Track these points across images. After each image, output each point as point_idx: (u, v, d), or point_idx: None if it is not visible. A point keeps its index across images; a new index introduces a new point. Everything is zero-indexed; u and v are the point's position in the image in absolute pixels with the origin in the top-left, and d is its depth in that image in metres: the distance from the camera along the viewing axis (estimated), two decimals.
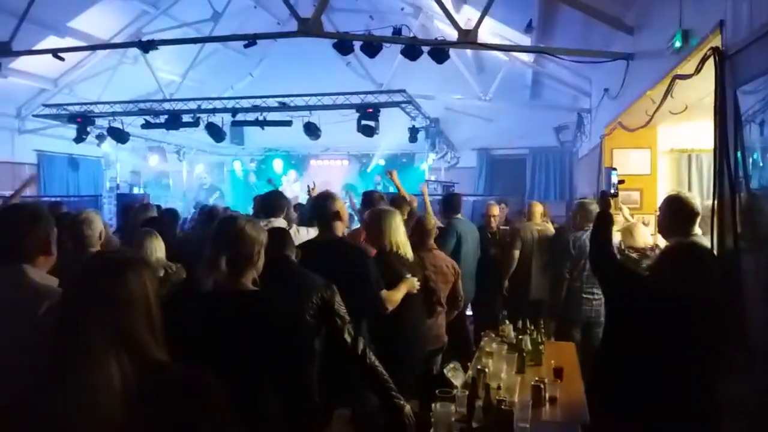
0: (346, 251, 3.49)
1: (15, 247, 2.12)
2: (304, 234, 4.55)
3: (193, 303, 2.18)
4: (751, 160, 2.75)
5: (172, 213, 5.97)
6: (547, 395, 3.16)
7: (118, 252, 1.52)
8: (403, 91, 9.04)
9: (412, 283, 3.66)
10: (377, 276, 3.44)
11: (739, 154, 2.87)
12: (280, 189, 9.51)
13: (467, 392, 2.88)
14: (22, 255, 2.11)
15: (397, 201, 5.34)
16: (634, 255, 4.71)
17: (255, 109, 9.92)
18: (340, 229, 3.57)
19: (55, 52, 7.78)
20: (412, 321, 3.76)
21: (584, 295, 5.03)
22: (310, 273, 2.88)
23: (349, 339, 2.76)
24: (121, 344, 1.35)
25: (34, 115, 10.66)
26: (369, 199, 5.30)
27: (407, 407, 2.72)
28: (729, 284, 2.81)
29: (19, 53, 8.12)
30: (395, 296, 3.50)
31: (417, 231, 4.40)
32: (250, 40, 6.95)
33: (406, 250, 3.84)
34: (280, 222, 4.56)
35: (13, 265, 2.08)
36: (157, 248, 3.83)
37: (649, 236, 4.89)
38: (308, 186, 6.54)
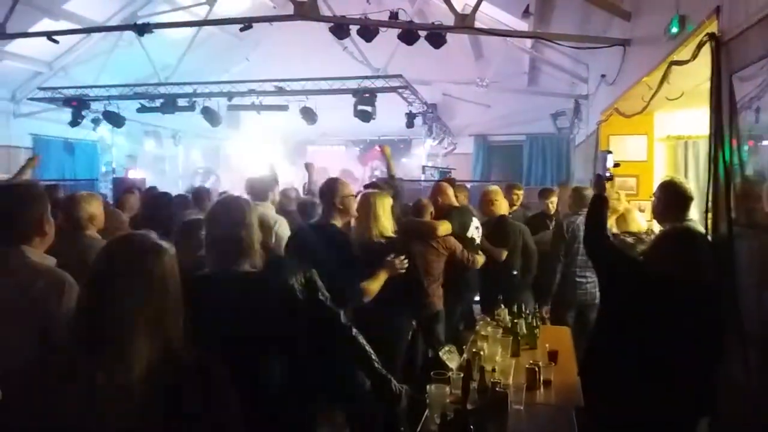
0: (335, 237, 3.52)
1: (10, 228, 2.13)
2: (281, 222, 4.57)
3: (195, 285, 2.19)
4: (746, 146, 2.77)
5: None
6: (541, 378, 3.20)
7: (147, 235, 1.51)
8: (400, 76, 9.01)
9: (392, 266, 3.63)
10: (361, 265, 3.48)
11: (734, 140, 2.88)
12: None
13: (462, 375, 2.91)
14: (17, 236, 2.12)
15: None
16: (630, 239, 4.73)
17: (251, 93, 9.89)
18: (339, 217, 3.59)
19: (50, 35, 7.73)
20: None
21: (578, 279, 5.05)
22: (286, 258, 2.92)
23: (335, 312, 2.80)
24: (155, 326, 1.38)
25: (29, 99, 10.59)
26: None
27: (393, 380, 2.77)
28: (723, 269, 2.84)
29: (13, 36, 8.06)
30: (373, 286, 3.49)
31: (414, 209, 4.82)
32: (246, 23, 6.92)
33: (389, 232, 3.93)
34: (267, 206, 4.55)
35: (11, 247, 2.10)
36: None
37: (643, 221, 4.90)
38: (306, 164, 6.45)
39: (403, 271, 3.67)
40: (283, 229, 4.49)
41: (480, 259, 4.85)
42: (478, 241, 5.01)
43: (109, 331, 1.34)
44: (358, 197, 4.06)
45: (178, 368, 1.41)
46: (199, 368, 1.45)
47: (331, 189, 3.58)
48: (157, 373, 1.35)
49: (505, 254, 5.08)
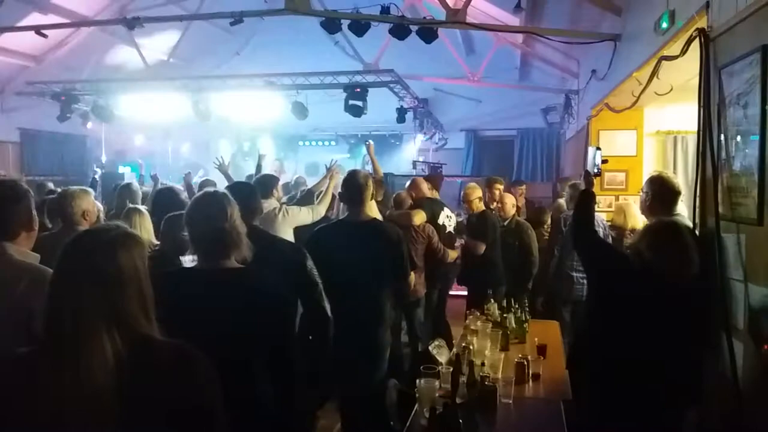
0: (382, 232, 3.58)
1: None
2: (297, 212, 4.58)
3: (180, 280, 2.18)
4: (734, 141, 2.78)
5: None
6: (530, 372, 3.22)
7: (107, 228, 1.50)
8: (391, 71, 8.99)
9: None
10: (409, 259, 3.67)
11: (722, 135, 2.90)
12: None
13: (451, 369, 2.92)
14: (4, 232, 2.11)
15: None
16: (613, 234, 4.76)
17: (241, 88, 9.83)
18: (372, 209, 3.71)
19: (38, 29, 7.66)
20: None
21: (575, 274, 5.06)
22: (280, 239, 2.92)
23: (320, 302, 2.82)
24: (113, 321, 1.36)
25: (17, 93, 10.49)
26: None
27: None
28: (709, 262, 2.86)
29: (1, 30, 7.98)
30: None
31: (395, 202, 5.34)
32: (237, 17, 6.87)
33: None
34: (271, 203, 4.61)
35: None
36: (144, 226, 3.83)
37: (640, 219, 4.86)
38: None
39: None
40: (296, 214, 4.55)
41: (453, 253, 5.17)
42: (449, 228, 5.35)
43: (67, 331, 1.33)
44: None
45: (154, 359, 1.40)
46: (178, 357, 1.45)
47: (367, 183, 3.59)
48: (132, 366, 1.34)
49: (483, 247, 5.18)
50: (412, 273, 3.78)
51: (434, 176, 7.19)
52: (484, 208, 5.50)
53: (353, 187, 3.58)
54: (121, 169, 12.22)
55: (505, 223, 5.61)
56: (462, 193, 5.71)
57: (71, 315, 1.34)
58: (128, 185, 5.72)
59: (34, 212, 2.24)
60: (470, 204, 5.48)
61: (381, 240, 3.50)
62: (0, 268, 2.06)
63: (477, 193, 5.52)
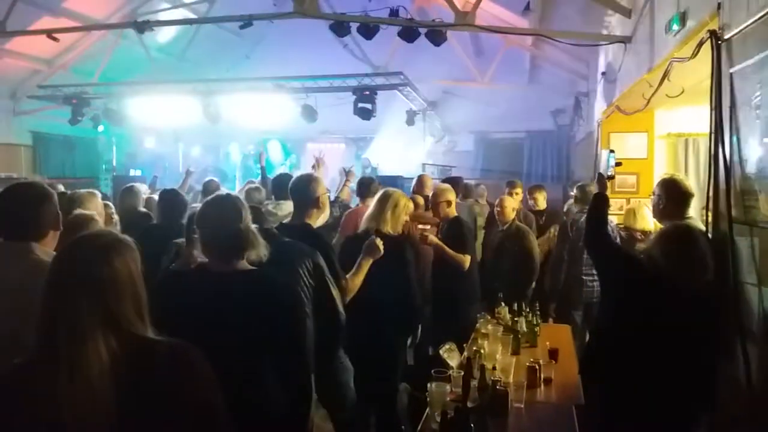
0: (317, 239, 3.28)
1: (28, 225, 2.15)
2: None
3: (191, 281, 2.19)
4: (746, 144, 2.76)
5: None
6: (541, 376, 3.20)
7: (100, 234, 1.53)
8: (400, 73, 9.01)
9: (372, 249, 3.40)
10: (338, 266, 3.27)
11: (734, 138, 2.88)
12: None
13: (462, 373, 2.91)
14: (34, 232, 2.15)
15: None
16: (623, 234, 4.73)
17: (251, 90, 9.89)
18: (315, 216, 3.35)
19: (50, 33, 7.72)
20: None
21: (584, 277, 5.03)
22: (296, 241, 2.93)
23: (336, 300, 2.85)
24: (108, 325, 1.38)
25: (29, 96, 10.59)
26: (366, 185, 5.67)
27: None
28: (722, 266, 2.83)
29: (13, 33, 8.06)
30: (357, 280, 3.34)
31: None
32: (246, 21, 6.90)
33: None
34: (289, 205, 4.60)
35: (23, 242, 2.11)
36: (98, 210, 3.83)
37: (651, 221, 4.78)
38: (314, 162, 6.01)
39: (382, 252, 3.41)
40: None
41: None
42: None
43: (62, 336, 1.35)
44: (380, 191, 4.02)
45: (151, 359, 1.42)
46: (175, 355, 1.46)
47: (312, 187, 3.32)
48: (129, 369, 1.36)
49: (468, 261, 4.59)
50: (353, 279, 3.33)
51: (457, 180, 6.56)
52: (456, 213, 4.86)
53: (298, 187, 3.36)
54: (132, 172, 12.29)
55: (505, 227, 5.39)
56: (430, 194, 5.11)
57: (66, 320, 1.36)
58: (130, 188, 5.75)
59: (60, 212, 2.28)
60: (438, 207, 4.85)
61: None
62: (25, 268, 2.08)
63: (447, 195, 4.86)
